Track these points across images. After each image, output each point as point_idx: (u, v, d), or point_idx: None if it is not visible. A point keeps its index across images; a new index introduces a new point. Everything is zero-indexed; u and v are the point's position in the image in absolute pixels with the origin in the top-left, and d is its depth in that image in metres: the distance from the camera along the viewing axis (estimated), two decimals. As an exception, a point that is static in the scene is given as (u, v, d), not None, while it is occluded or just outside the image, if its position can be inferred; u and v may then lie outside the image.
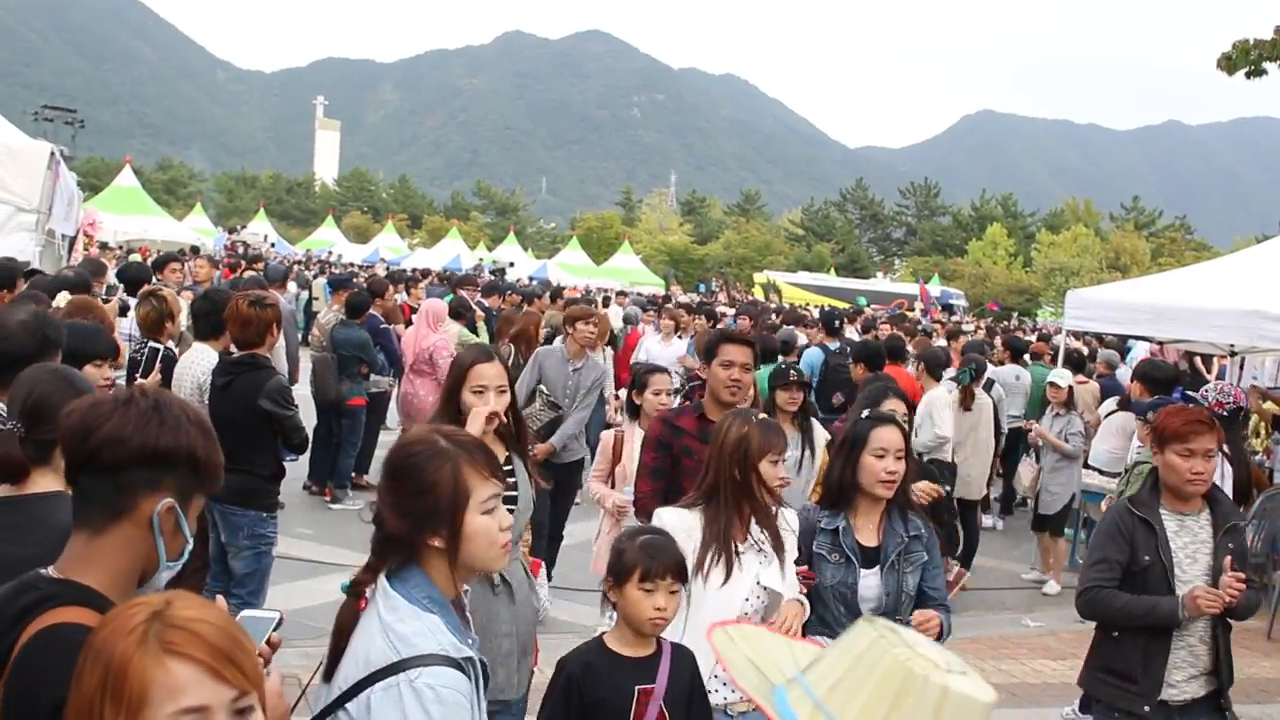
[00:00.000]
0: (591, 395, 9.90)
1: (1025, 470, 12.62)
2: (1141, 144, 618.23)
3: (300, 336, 16.69)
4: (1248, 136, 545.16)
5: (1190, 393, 8.46)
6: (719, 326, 15.54)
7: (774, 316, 21.20)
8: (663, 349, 15.62)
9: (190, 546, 2.50)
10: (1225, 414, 7.69)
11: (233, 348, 7.45)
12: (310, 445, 12.54)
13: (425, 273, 34.65)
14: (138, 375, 8.21)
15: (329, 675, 2.84)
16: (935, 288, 64.15)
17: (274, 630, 2.73)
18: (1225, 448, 7.61)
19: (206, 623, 1.87)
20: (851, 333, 21.20)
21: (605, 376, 10.10)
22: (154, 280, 11.93)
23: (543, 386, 9.33)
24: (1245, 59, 11.18)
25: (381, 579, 2.83)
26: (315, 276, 32.52)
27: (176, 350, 8.35)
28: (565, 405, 9.42)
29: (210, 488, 2.56)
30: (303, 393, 12.88)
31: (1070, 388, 12.20)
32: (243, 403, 7.04)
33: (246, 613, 2.69)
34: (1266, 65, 11.16)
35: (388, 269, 39.15)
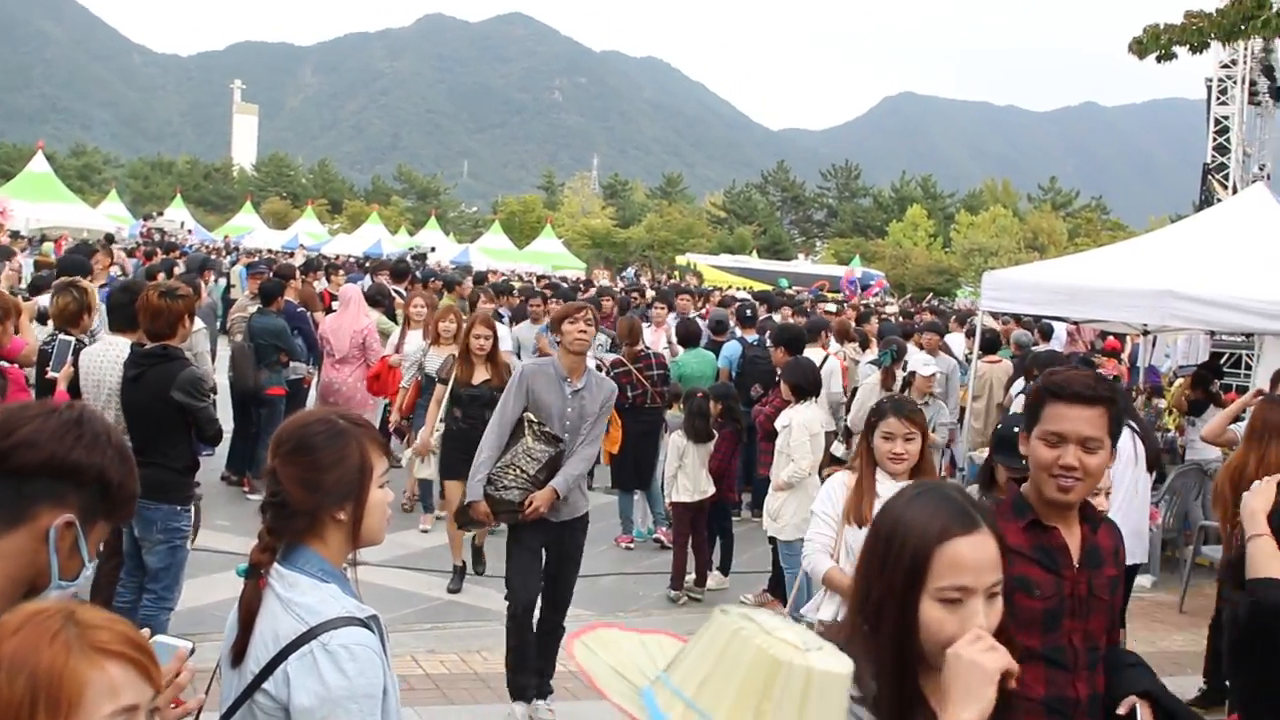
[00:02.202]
0: (600, 424, 7.50)
1: None
2: (1059, 125, 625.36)
3: (220, 325, 16.51)
4: (1161, 118, 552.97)
5: None
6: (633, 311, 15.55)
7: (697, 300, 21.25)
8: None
9: (88, 571, 2.46)
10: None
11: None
12: (231, 435, 12.58)
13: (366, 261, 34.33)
14: (48, 369, 8.09)
15: (237, 661, 2.86)
16: (856, 269, 64.57)
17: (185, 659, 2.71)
18: (1130, 421, 7.76)
19: (118, 624, 1.86)
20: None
21: (613, 395, 7.58)
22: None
23: (532, 415, 7.22)
24: (1156, 43, 11.34)
25: (274, 564, 2.88)
26: (233, 264, 32.17)
27: (88, 342, 8.22)
28: (566, 438, 7.25)
29: (118, 517, 2.52)
30: (221, 382, 12.79)
31: (933, 376, 12.08)
32: (154, 394, 6.93)
33: (159, 638, 2.67)
34: (1176, 49, 11.32)
35: (307, 255, 38.74)
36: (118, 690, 1.79)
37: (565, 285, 30.26)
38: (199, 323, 10.10)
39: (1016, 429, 5.39)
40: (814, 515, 5.81)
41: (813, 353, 12.97)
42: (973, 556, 2.45)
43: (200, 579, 9.16)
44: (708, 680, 1.95)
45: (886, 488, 5.34)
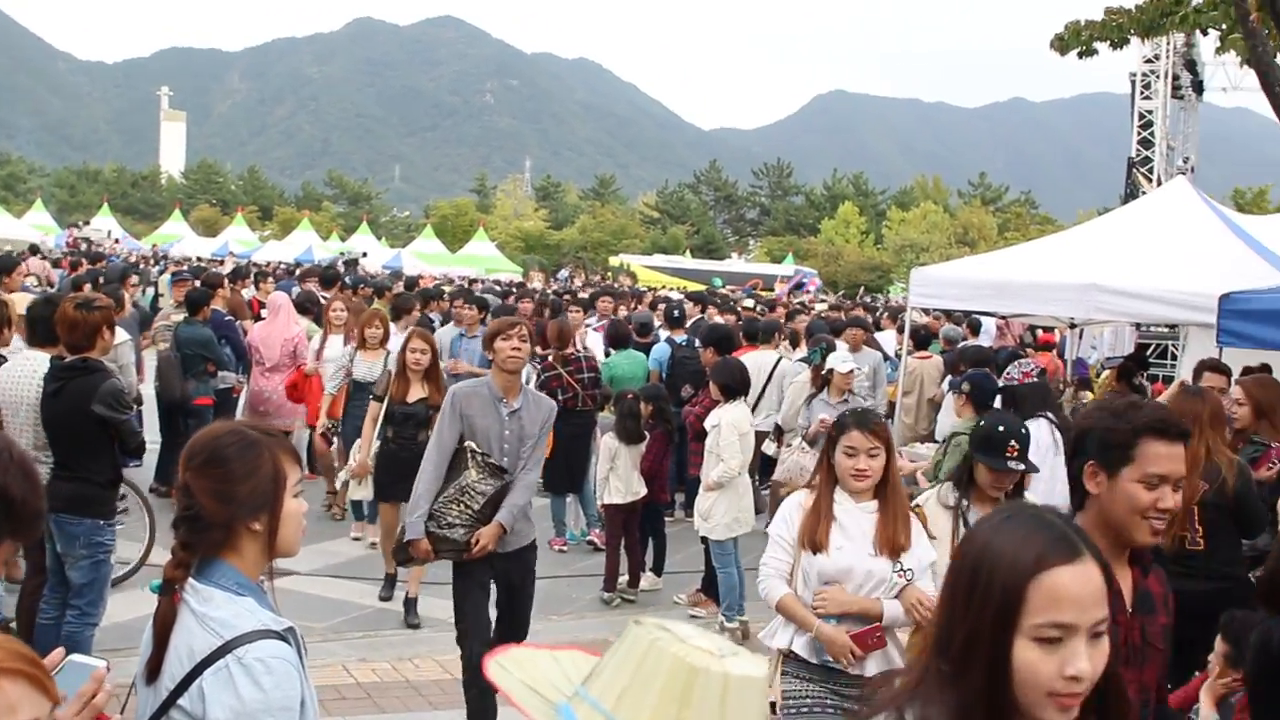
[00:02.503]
0: (540, 446, 7.03)
1: (811, 463, 11.34)
2: (988, 121, 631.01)
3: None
4: (1088, 113, 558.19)
5: (985, 369, 8.68)
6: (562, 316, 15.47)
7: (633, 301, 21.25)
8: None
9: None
10: (1035, 379, 7.94)
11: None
12: (159, 447, 12.43)
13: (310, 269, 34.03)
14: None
15: (152, 678, 2.82)
16: (789, 267, 64.84)
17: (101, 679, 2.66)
18: (1049, 413, 7.84)
19: (10, 642, 1.84)
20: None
21: (552, 414, 7.09)
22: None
23: (474, 445, 6.73)
24: (1077, 39, 11.45)
25: (189, 579, 2.84)
26: (161, 273, 31.81)
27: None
28: (506, 462, 6.80)
29: (23, 535, 2.49)
30: (148, 392, 12.64)
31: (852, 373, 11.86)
32: (75, 408, 6.82)
33: (75, 657, 2.63)
34: (1097, 45, 11.44)
35: (236, 263, 38.40)
36: (15, 707, 1.78)
37: (499, 288, 30.24)
38: (123, 334, 10.01)
39: (1001, 428, 5.33)
40: (769, 538, 5.36)
41: (767, 354, 13.00)
42: (1075, 589, 2.17)
43: (127, 593, 9.04)
44: (627, 691, 1.95)
45: (846, 508, 5.18)
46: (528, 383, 12.98)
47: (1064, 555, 2.18)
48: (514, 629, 6.98)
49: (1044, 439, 7.69)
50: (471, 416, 6.75)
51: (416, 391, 9.48)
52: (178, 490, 2.95)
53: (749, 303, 24.57)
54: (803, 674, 5.20)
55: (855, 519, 5.17)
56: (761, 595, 5.38)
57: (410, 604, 9.35)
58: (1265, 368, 9.90)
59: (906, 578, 5.12)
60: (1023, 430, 5.55)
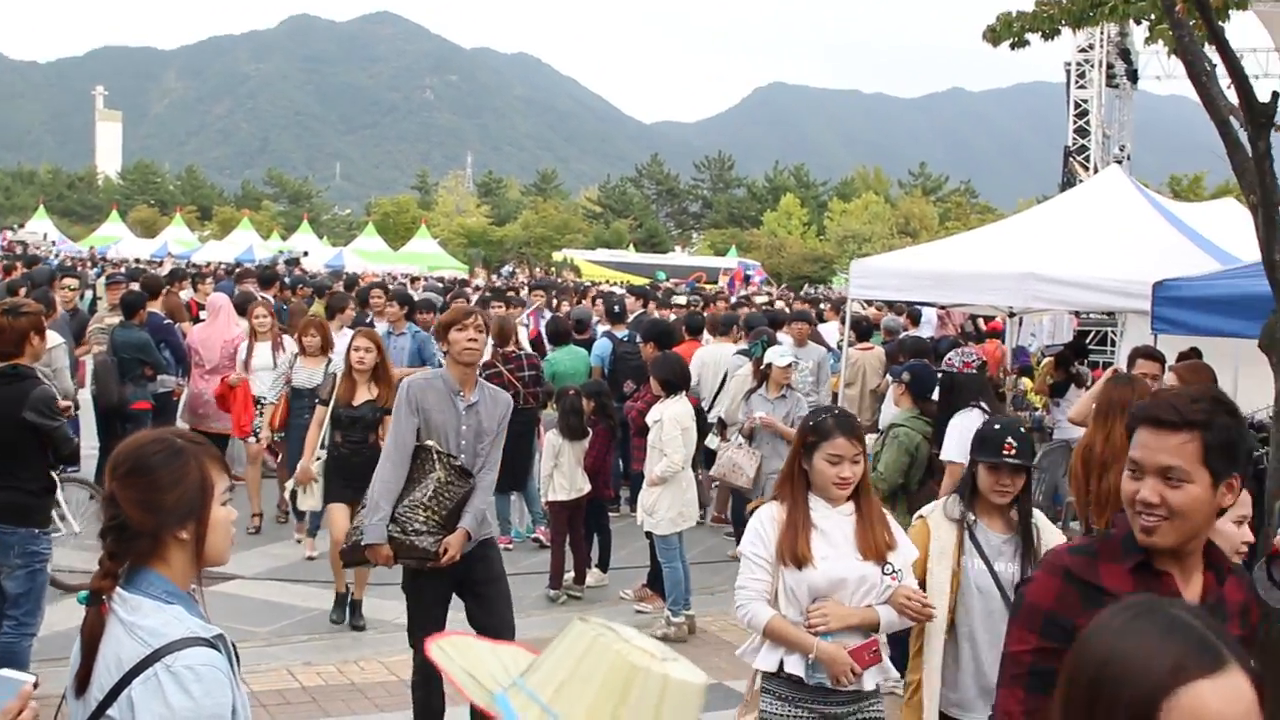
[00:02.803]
0: (498, 443, 6.71)
1: (745, 460, 10.57)
2: (927, 111, 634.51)
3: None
4: (1026, 102, 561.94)
5: (926, 362, 8.76)
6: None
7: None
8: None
9: None
10: (975, 370, 7.98)
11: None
12: (98, 452, 12.28)
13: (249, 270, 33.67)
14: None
15: (82, 690, 2.81)
16: (732, 260, 64.98)
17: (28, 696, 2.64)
18: (982, 403, 7.92)
19: None
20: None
21: (508, 410, 6.78)
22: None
23: (438, 445, 6.44)
24: (1009, 30, 11.49)
25: (116, 589, 2.83)
26: (99, 275, 31.45)
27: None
28: (463, 459, 6.52)
29: None
30: (86, 397, 12.51)
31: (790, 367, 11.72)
32: (5, 416, 6.73)
33: (3, 672, 2.61)
34: (1029, 36, 11.51)
35: (175, 264, 38.04)
36: None
37: (441, 285, 30.12)
38: (56, 337, 9.89)
39: (997, 426, 5.18)
40: (743, 558, 4.91)
41: (725, 346, 12.99)
42: (1221, 708, 1.77)
43: (65, 602, 8.93)
44: (565, 685, 1.97)
45: (823, 514, 4.82)
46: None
47: (1206, 666, 1.79)
48: (498, 626, 6.51)
49: (975, 428, 7.77)
50: (428, 411, 6.45)
51: (363, 393, 9.14)
52: (104, 500, 2.95)
53: (681, 299, 24.54)
54: (790, 694, 4.82)
55: (835, 524, 4.82)
56: (743, 622, 4.90)
57: (355, 606, 9.18)
58: (1195, 351, 10.06)
59: (897, 579, 4.85)
60: (1020, 430, 5.35)
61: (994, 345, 17.75)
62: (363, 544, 6.56)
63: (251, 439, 11.79)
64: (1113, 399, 6.84)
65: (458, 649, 2.19)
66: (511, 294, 20.13)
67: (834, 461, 4.78)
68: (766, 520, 4.89)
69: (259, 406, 11.68)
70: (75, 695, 2.84)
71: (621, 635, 2.01)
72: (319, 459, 9.39)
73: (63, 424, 7.01)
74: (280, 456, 11.84)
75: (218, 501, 2.93)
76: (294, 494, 9.85)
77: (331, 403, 9.28)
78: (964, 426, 7.80)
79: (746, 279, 52.44)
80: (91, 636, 2.80)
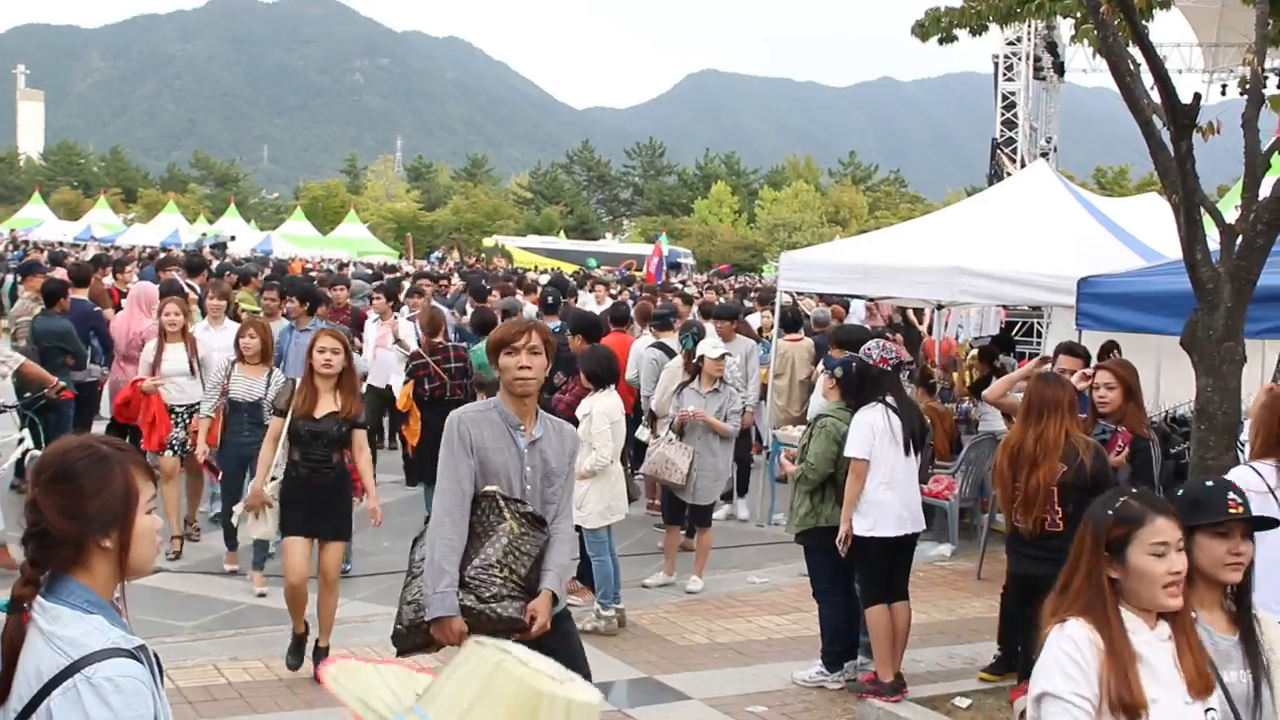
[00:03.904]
0: (570, 485, 5.65)
1: (678, 455, 10.45)
2: (858, 101, 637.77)
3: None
4: (956, 92, 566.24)
5: (852, 352, 8.83)
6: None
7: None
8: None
9: None
10: (890, 368, 8.05)
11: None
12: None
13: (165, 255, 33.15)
14: None
15: (1, 699, 2.76)
16: (664, 247, 65.11)
17: None
18: (890, 399, 8.00)
19: None
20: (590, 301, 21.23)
21: (577, 446, 5.83)
22: None
23: (499, 489, 5.32)
24: (937, 26, 11.60)
25: (37, 597, 2.79)
26: (21, 258, 30.96)
27: None
28: (536, 509, 5.40)
29: None
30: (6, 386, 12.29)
31: (723, 359, 11.12)
32: None
33: None
34: (957, 32, 11.63)
35: (100, 248, 37.48)
36: None
37: (370, 270, 29.91)
38: None
39: (1208, 483, 4.06)
40: (1050, 699, 3.40)
41: (670, 339, 12.95)
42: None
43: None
44: (470, 711, 1.96)
45: (1143, 637, 3.48)
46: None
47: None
48: None
49: (878, 423, 7.88)
50: (484, 450, 5.31)
51: (327, 403, 7.91)
52: (26, 506, 2.90)
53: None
54: None
55: (1156, 650, 3.49)
56: None
57: (322, 654, 7.82)
58: (1114, 345, 10.22)
59: None
60: (1229, 481, 4.09)
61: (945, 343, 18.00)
62: (426, 620, 5.30)
63: (167, 453, 10.62)
64: (1045, 397, 6.93)
65: (348, 673, 2.19)
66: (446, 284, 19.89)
67: (1159, 554, 3.49)
68: (1083, 644, 3.44)
69: (174, 416, 10.64)
70: None
71: (520, 659, 2.02)
72: (273, 480, 8.18)
73: None
74: (220, 475, 10.65)
75: (142, 510, 2.89)
76: (241, 519, 8.55)
77: (289, 414, 8.00)
78: (865, 422, 7.91)
79: (674, 266, 52.41)
80: (11, 646, 2.76)
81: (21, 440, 11.41)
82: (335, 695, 2.10)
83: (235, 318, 12.76)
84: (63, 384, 11.38)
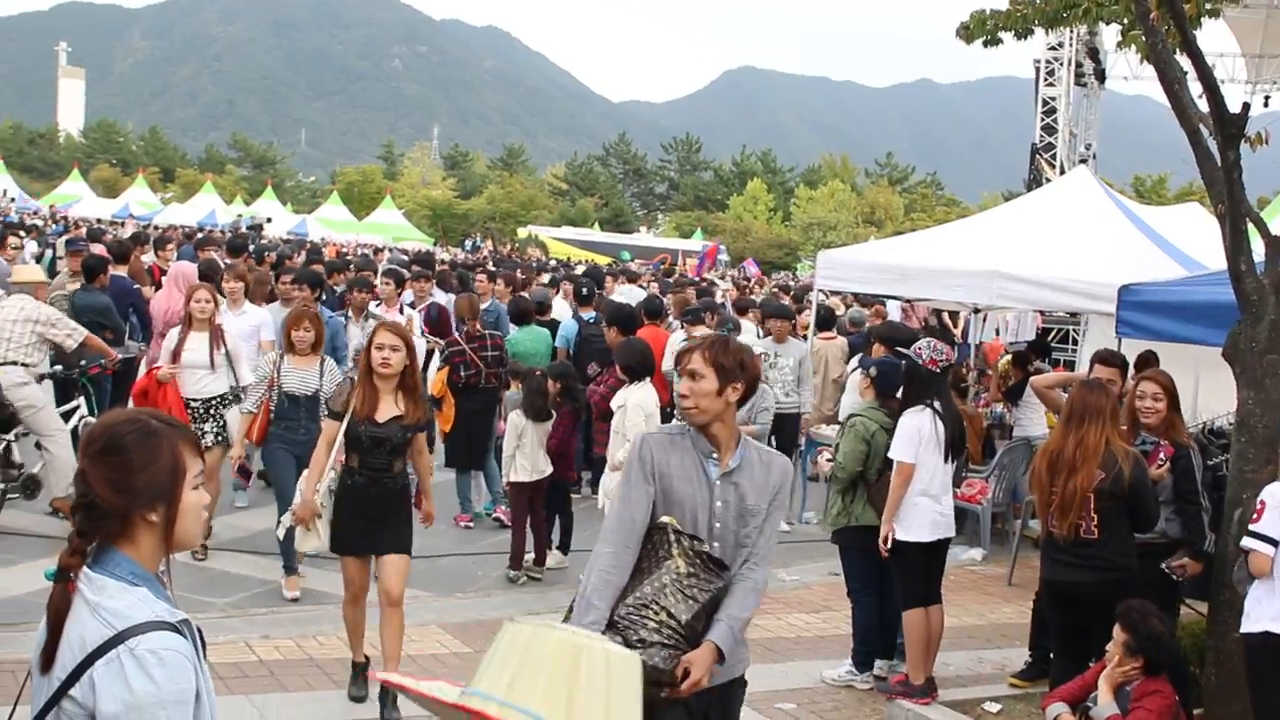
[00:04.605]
0: (770, 531, 4.67)
1: None
2: (895, 102, 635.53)
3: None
4: (995, 95, 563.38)
5: (903, 349, 8.78)
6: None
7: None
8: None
9: None
10: (939, 370, 8.01)
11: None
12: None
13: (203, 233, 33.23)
14: None
15: (46, 667, 2.79)
16: (697, 242, 65.02)
17: None
18: (935, 403, 7.96)
19: None
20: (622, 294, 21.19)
21: (787, 479, 4.77)
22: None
23: (676, 522, 4.55)
24: (982, 29, 11.61)
25: (83, 568, 2.82)
26: (59, 234, 31.12)
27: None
28: (716, 548, 4.58)
29: None
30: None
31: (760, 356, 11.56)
32: None
33: None
34: (1002, 35, 11.63)
35: (138, 226, 37.67)
36: None
37: (405, 257, 29.96)
38: None
39: None
40: None
41: (705, 332, 12.96)
42: None
43: (19, 568, 8.94)
44: (516, 679, 2.00)
45: None
46: (429, 358, 12.83)
47: None
48: None
49: (925, 427, 7.84)
50: (668, 478, 4.59)
51: (389, 406, 7.18)
52: (75, 476, 2.93)
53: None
54: None
55: None
56: None
57: (389, 698, 7.16)
58: (1152, 355, 10.16)
59: None
60: None
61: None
62: None
63: None
64: (1087, 403, 6.88)
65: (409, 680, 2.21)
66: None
67: None
68: None
69: (191, 410, 9.83)
70: (40, 672, 2.82)
71: (554, 626, 2.05)
72: (327, 486, 7.55)
73: None
74: (252, 477, 10.28)
75: (189, 485, 2.91)
76: (290, 532, 7.78)
77: (347, 417, 7.27)
78: (913, 426, 7.87)
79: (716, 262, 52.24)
80: (57, 615, 2.78)
81: (77, 408, 11.47)
82: (400, 684, 2.13)
83: (271, 300, 12.73)
84: (119, 357, 11.52)
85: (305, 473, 7.70)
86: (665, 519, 4.53)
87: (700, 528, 4.55)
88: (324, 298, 12.41)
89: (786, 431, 12.73)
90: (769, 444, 11.10)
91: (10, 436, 10.29)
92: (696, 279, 28.73)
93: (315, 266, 16.31)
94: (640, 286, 22.01)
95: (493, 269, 19.87)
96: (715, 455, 4.58)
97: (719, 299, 19.98)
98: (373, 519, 7.17)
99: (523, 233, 72.27)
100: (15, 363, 10.16)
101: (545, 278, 23.65)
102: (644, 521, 4.54)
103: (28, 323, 10.27)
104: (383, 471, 7.19)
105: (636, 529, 4.53)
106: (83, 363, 11.46)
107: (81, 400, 11.57)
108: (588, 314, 14.16)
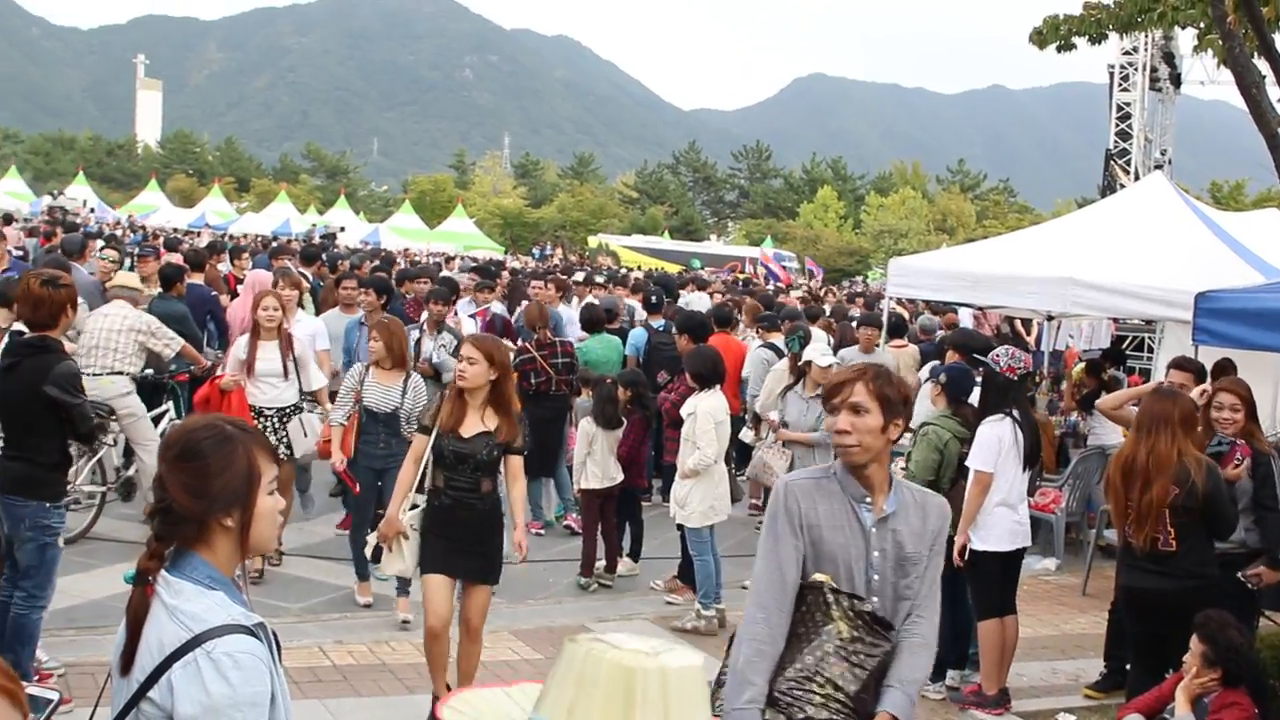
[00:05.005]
0: (932, 579, 4.23)
1: (776, 459, 10.55)
2: (967, 108, 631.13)
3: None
4: (1068, 101, 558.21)
5: (979, 356, 8.70)
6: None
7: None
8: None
9: None
10: (1016, 378, 7.94)
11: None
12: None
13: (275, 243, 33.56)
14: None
15: (126, 669, 2.84)
16: (768, 249, 64.94)
17: (47, 713, 2.68)
18: (1015, 412, 7.89)
19: None
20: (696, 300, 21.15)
21: (945, 524, 4.34)
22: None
23: (829, 579, 4.07)
24: (1055, 34, 11.53)
25: (161, 571, 2.86)
26: (137, 243, 31.55)
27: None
28: (883, 611, 4.09)
29: None
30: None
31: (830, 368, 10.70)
32: (27, 387, 6.72)
33: (30, 690, 2.65)
34: (1076, 40, 11.53)
35: (213, 235, 38.16)
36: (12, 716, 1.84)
37: (476, 264, 30.12)
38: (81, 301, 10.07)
39: None
40: None
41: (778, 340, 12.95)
42: None
43: (98, 572, 9.07)
44: (575, 705, 2.00)
45: None
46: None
47: None
48: None
49: (1005, 437, 7.78)
50: (817, 528, 4.09)
51: (475, 421, 6.82)
52: (154, 482, 2.97)
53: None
54: None
55: None
56: None
57: None
58: (1229, 363, 10.01)
59: None
60: None
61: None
62: None
63: None
64: (1153, 411, 6.80)
65: (467, 703, 2.22)
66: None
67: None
68: None
69: (263, 420, 9.60)
70: (119, 674, 2.87)
71: (612, 644, 2.04)
72: (415, 507, 7.08)
73: (84, 402, 6.94)
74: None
75: (264, 491, 2.95)
76: (377, 551, 7.36)
77: (435, 432, 6.93)
78: (993, 435, 7.80)
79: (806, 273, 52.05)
80: (136, 617, 2.84)
81: (165, 412, 11.62)
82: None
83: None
84: (208, 363, 11.67)
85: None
86: (820, 577, 4.04)
87: (856, 583, 4.07)
88: (390, 305, 11.99)
89: None
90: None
91: (110, 441, 10.45)
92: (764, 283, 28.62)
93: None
94: (710, 295, 21.99)
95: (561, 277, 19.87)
96: (869, 499, 4.10)
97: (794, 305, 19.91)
98: (460, 543, 6.81)
99: (593, 241, 72.47)
100: (120, 372, 10.31)
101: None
102: (796, 580, 4.06)
103: (131, 332, 10.39)
104: (469, 491, 6.81)
105: (789, 590, 4.05)
106: (171, 368, 11.61)
107: (170, 404, 11.73)
108: (657, 322, 14.17)
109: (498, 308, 15.09)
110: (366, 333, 10.78)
